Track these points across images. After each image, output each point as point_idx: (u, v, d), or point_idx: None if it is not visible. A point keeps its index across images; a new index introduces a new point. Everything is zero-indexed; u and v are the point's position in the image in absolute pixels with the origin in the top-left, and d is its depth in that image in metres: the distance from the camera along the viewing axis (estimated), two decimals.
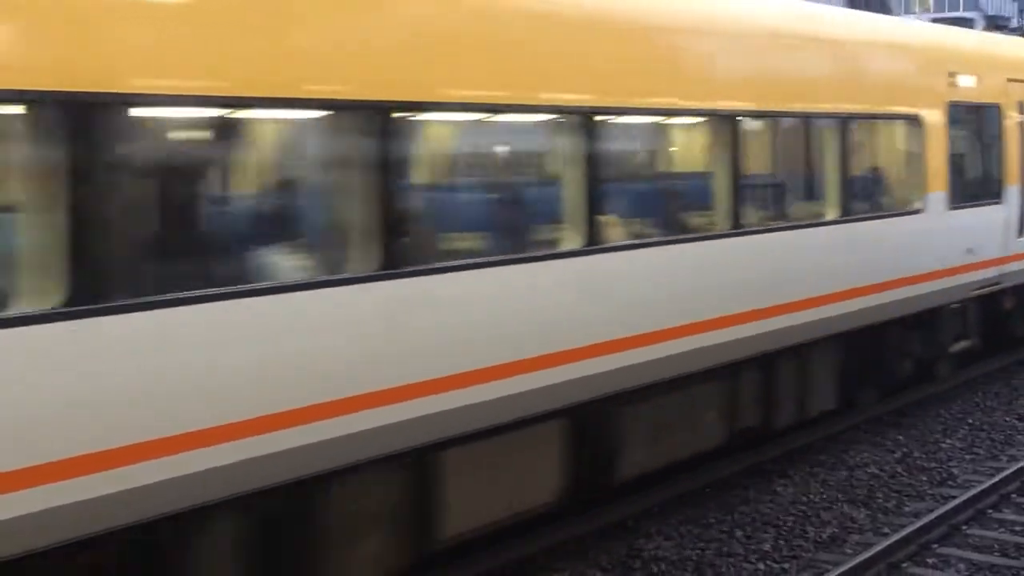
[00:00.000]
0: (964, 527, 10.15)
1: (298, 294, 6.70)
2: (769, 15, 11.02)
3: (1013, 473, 11.30)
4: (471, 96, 7.88)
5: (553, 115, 8.61)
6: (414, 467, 7.68)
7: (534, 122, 8.77)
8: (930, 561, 9.44)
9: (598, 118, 8.67)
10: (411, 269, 7.26)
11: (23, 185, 5.81)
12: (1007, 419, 13.77)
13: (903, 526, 9.97)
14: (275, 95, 6.63)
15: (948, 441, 12.85)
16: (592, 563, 9.23)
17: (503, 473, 8.29)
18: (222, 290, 6.37)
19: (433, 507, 7.83)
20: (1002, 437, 13.04)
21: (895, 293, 12.28)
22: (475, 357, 7.69)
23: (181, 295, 6.19)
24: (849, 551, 9.56)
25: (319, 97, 6.89)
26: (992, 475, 11.40)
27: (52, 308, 5.67)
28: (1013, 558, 9.45)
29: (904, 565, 9.32)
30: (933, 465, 11.97)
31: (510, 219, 8.63)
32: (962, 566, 9.33)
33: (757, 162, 10.99)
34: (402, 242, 7.22)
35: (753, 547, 9.66)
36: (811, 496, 10.92)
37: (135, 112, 6.16)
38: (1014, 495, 11.00)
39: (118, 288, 5.90)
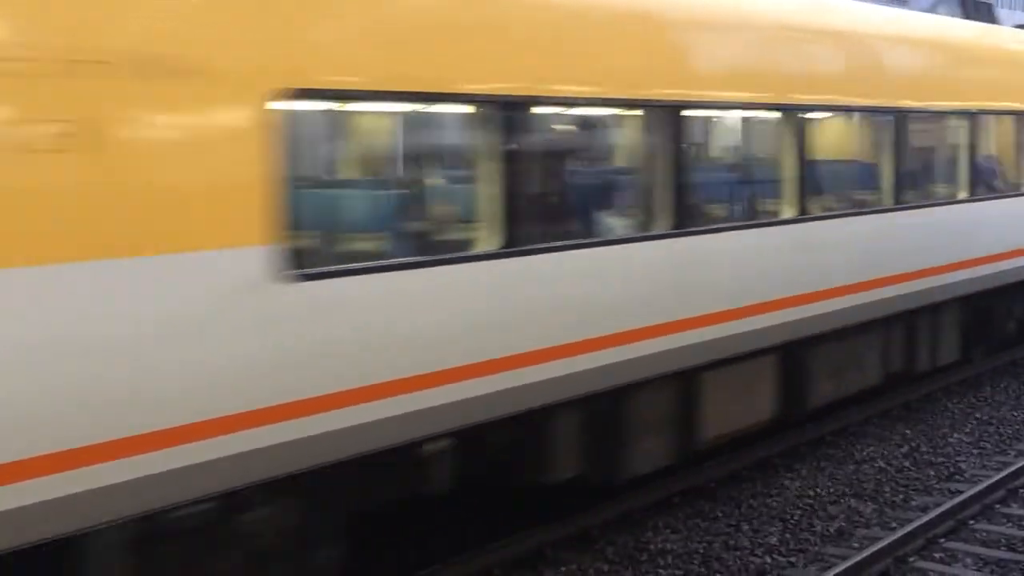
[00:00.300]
0: (971, 522, 10.15)
1: (623, 246, 9.01)
2: (931, 27, 13.55)
3: (1021, 468, 11.29)
4: (732, 99, 10.21)
5: (786, 112, 10.72)
6: (681, 384, 9.79)
7: (765, 119, 11.02)
8: (937, 556, 9.45)
9: (806, 115, 10.82)
10: (687, 230, 9.39)
11: (480, 165, 7.94)
12: (1015, 414, 13.77)
13: (910, 520, 9.97)
14: (625, 98, 9.00)
15: (956, 435, 12.85)
16: (599, 555, 9.26)
17: (738, 394, 10.40)
18: (585, 240, 8.73)
19: (695, 416, 10.02)
20: (1010, 432, 13.04)
21: (1012, 262, 14.39)
22: (725, 300, 9.82)
23: (566, 242, 8.44)
24: (856, 545, 9.57)
25: (643, 99, 9.13)
26: (1000, 470, 11.41)
27: (498, 249, 7.84)
28: (1020, 553, 9.45)
29: (911, 559, 9.32)
30: (941, 459, 11.98)
31: (746, 194, 11.13)
32: (969, 561, 9.33)
33: (912, 152, 12.94)
34: (683, 211, 9.32)
35: (760, 541, 9.67)
36: (818, 490, 10.93)
37: (539, 110, 8.42)
38: (1022, 490, 11.00)
39: (532, 238, 8.07)
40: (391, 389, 7.10)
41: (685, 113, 9.36)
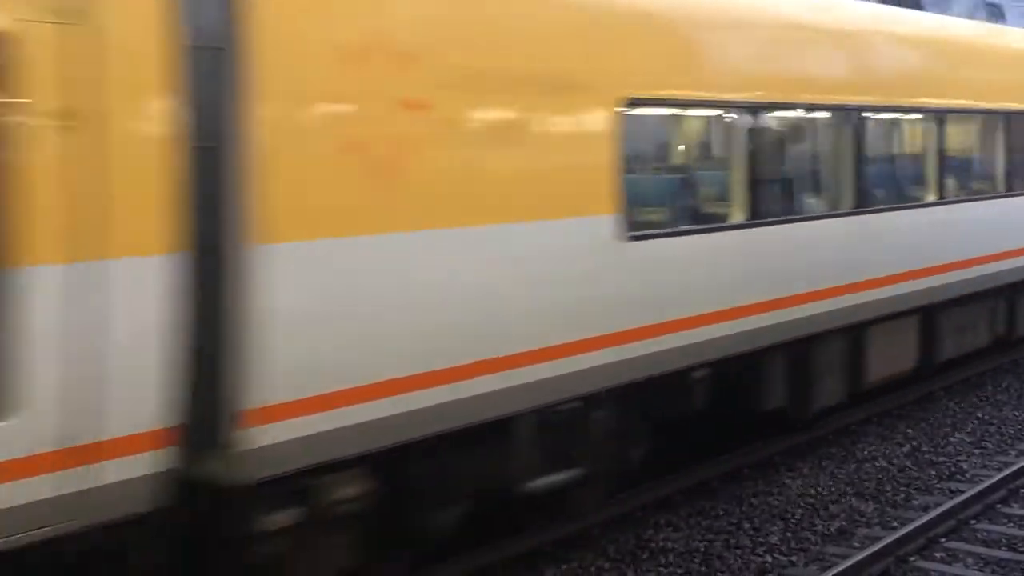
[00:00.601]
0: (972, 521, 10.16)
1: (821, 222, 11.33)
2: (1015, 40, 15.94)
3: (1022, 468, 11.30)
4: (894, 104, 12.62)
5: (930, 115, 13.13)
6: (852, 337, 11.99)
7: (915, 121, 13.40)
8: (938, 555, 9.46)
9: (944, 117, 13.30)
10: (864, 209, 11.80)
11: (733, 156, 10.33)
12: (1016, 413, 13.77)
13: (911, 520, 9.98)
14: (827, 103, 11.52)
15: (957, 435, 12.86)
16: (600, 553, 9.27)
17: (892, 346, 12.63)
18: (799, 216, 11.03)
19: (861, 361, 12.20)
20: (1011, 431, 13.04)
21: None
22: (889, 268, 12.06)
23: (787, 217, 10.79)
24: (857, 544, 9.58)
25: (836, 104, 11.57)
26: (1001, 469, 11.41)
27: (744, 221, 10.24)
28: (1021, 552, 9.46)
29: (912, 559, 9.33)
30: (942, 459, 11.99)
31: (902, 182, 13.20)
32: (970, 560, 9.34)
33: (1008, 147, 15.18)
34: (862, 194, 11.79)
35: (761, 539, 9.68)
36: (819, 489, 10.94)
37: (773, 114, 10.81)
38: (1023, 490, 11.01)
39: (772, 212, 10.56)
40: (681, 325, 9.46)
41: (864, 115, 12.01)
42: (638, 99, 9.04)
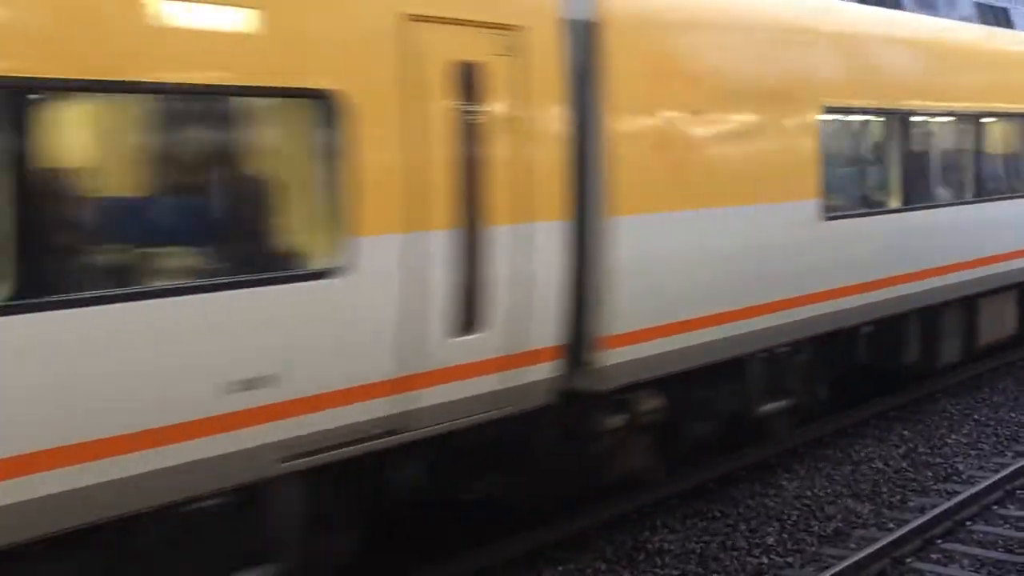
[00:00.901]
0: (968, 523, 10.18)
1: (949, 208, 13.43)
2: None
3: (1018, 469, 11.33)
4: (1001, 110, 14.83)
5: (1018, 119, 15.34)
6: (967, 305, 14.13)
7: (1008, 126, 15.28)
8: (934, 556, 9.47)
9: None
10: (982, 198, 14.10)
11: (891, 154, 12.59)
12: (1013, 415, 13.79)
13: (907, 521, 9.99)
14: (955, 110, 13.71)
15: (953, 437, 12.87)
16: (598, 555, 9.28)
17: (997, 315, 14.87)
18: (934, 203, 13.17)
19: (973, 328, 14.36)
20: (1008, 433, 13.06)
21: None
22: (997, 249, 14.14)
23: (926, 204, 12.97)
24: (853, 546, 9.59)
25: (961, 111, 13.78)
26: (997, 471, 11.43)
27: (899, 207, 12.61)
28: (1017, 554, 9.47)
29: (908, 560, 9.34)
30: (938, 460, 12.00)
31: (1008, 175, 15.13)
32: (966, 562, 9.36)
33: None
34: (980, 185, 14.12)
35: (757, 541, 9.69)
36: (816, 490, 10.95)
37: (916, 119, 12.89)
38: (1019, 491, 11.03)
39: (918, 200, 12.84)
40: (857, 289, 11.61)
41: (982, 120, 14.15)
42: (831, 107, 11.32)
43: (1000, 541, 9.79)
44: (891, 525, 10.05)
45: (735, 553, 9.43)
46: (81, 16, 5.83)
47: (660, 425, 9.66)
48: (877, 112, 12.43)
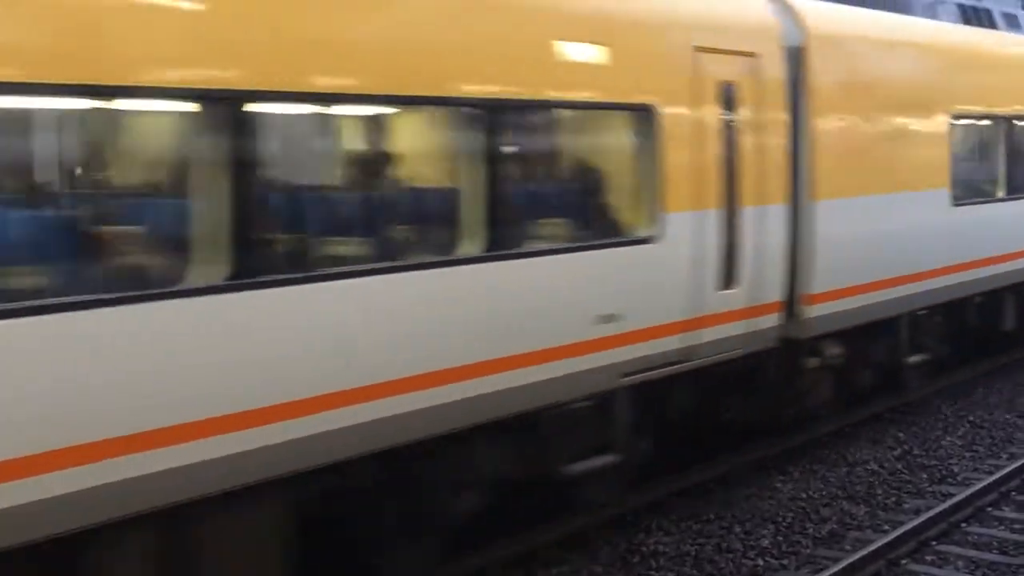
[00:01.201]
0: (963, 524, 10.17)
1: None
2: None
3: (1013, 471, 11.33)
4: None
5: None
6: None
7: None
8: (929, 558, 9.47)
9: None
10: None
11: (997, 149, 15.33)
12: (1008, 416, 13.79)
13: (902, 523, 9.98)
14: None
15: (948, 438, 12.87)
16: (592, 557, 9.27)
17: None
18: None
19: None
20: (1003, 435, 13.06)
21: None
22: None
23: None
24: (848, 548, 9.58)
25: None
26: (992, 473, 11.42)
27: (1002, 196, 15.29)
28: (1012, 556, 9.47)
29: (903, 562, 9.34)
30: (933, 462, 12.00)
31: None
32: (961, 563, 9.35)
33: None
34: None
35: (752, 543, 9.68)
36: (811, 493, 10.95)
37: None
38: (1014, 493, 11.03)
39: (1016, 190, 15.42)
40: (974, 264, 14.06)
41: None
42: (958, 113, 13.81)
43: (995, 543, 9.78)
44: (886, 527, 10.04)
45: (730, 555, 9.42)
46: (523, 56, 8.46)
47: (839, 369, 12.06)
48: (988, 117, 15.10)
